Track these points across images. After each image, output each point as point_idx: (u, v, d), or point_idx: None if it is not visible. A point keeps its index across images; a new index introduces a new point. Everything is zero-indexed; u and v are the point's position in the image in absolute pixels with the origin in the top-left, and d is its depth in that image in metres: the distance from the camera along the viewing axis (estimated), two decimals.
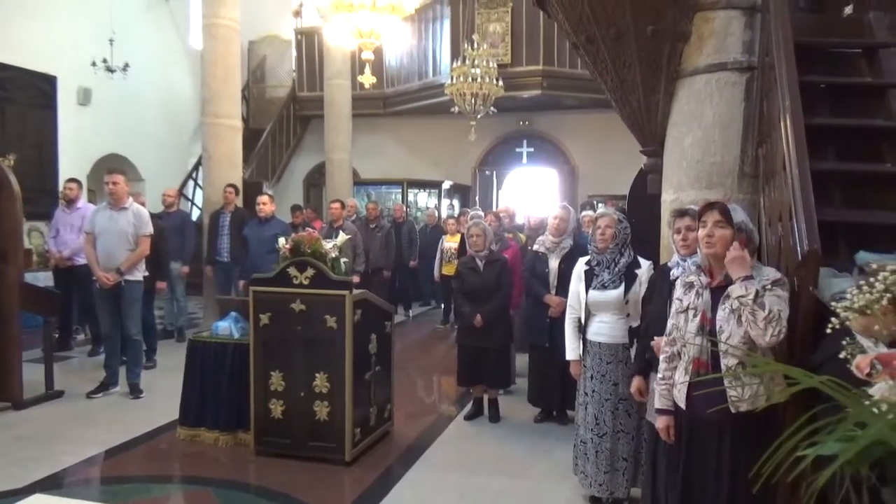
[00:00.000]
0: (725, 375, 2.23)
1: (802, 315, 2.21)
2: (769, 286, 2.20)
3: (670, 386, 2.45)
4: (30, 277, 6.38)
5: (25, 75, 9.59)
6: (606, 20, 3.25)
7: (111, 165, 7.58)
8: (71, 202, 6.89)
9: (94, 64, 10.41)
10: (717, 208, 2.35)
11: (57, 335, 6.64)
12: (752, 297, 2.16)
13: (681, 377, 2.40)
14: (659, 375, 2.53)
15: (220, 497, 3.62)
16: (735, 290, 2.22)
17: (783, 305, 2.18)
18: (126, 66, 10.62)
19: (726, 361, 2.27)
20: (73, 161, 10.15)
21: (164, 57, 12.72)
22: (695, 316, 2.37)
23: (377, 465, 4.08)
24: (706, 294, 2.36)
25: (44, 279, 7.22)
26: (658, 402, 2.52)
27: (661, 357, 2.53)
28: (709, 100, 3.22)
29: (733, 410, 2.23)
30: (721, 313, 2.30)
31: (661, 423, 2.50)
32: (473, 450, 4.42)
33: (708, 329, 2.32)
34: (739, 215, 2.36)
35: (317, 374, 4.01)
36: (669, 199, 3.42)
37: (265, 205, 6.87)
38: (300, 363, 4.05)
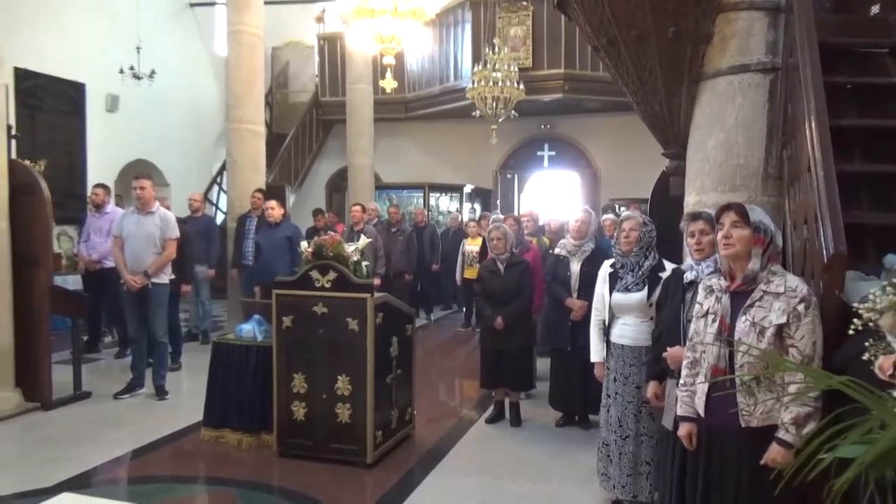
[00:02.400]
0: (739, 389, 2.19)
1: (828, 320, 2.18)
2: (799, 307, 2.14)
3: (692, 393, 2.42)
4: (59, 280, 6.52)
5: (55, 83, 9.80)
6: (627, 22, 3.24)
7: (138, 171, 7.71)
8: (98, 207, 7.02)
9: (121, 71, 10.60)
10: (733, 209, 2.31)
11: (85, 337, 6.77)
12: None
13: (700, 385, 2.37)
14: (681, 381, 2.50)
15: (243, 498, 3.66)
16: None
17: (817, 333, 2.13)
18: (152, 72, 10.80)
19: (741, 377, 2.21)
20: (101, 166, 10.34)
21: (190, 63, 12.91)
22: (713, 321, 2.33)
23: (398, 467, 4.10)
24: (725, 299, 2.32)
25: (73, 282, 7.36)
26: (680, 409, 2.49)
27: (683, 363, 2.50)
28: (731, 101, 3.19)
29: (743, 424, 2.20)
30: (741, 325, 2.25)
31: (683, 430, 2.46)
32: (495, 454, 4.41)
33: (726, 335, 2.27)
34: (757, 215, 2.30)
35: (338, 377, 4.04)
36: (692, 201, 3.40)
37: (273, 209, 6.92)
38: (322, 366, 4.08)
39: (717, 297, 2.36)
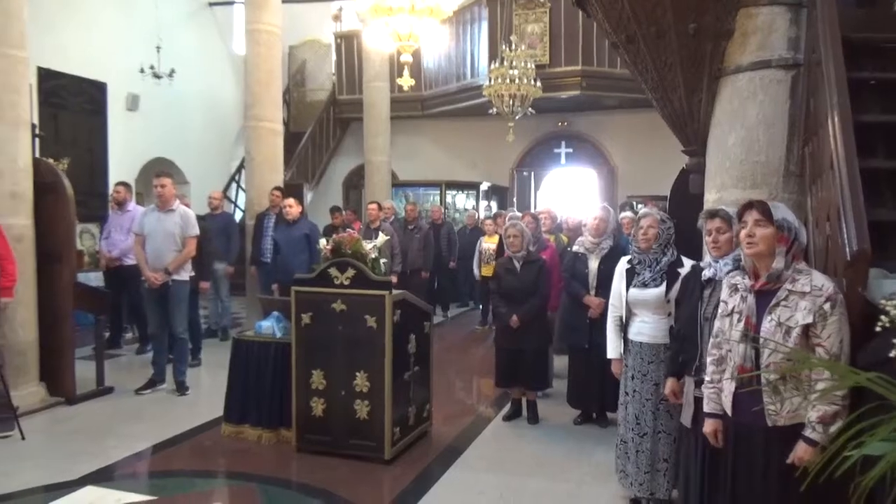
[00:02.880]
0: (764, 389, 2.18)
1: (852, 318, 2.16)
2: (825, 306, 2.12)
3: (719, 390, 2.41)
4: (81, 277, 6.62)
5: (77, 82, 9.93)
6: (647, 19, 3.22)
7: (158, 169, 7.79)
8: (120, 205, 7.11)
9: (141, 70, 10.72)
10: (756, 207, 2.29)
11: (107, 333, 6.86)
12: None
13: (727, 383, 2.36)
14: (707, 378, 2.49)
15: (263, 493, 3.70)
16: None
17: (844, 332, 2.12)
18: (172, 71, 10.90)
19: (767, 376, 2.21)
20: (122, 165, 10.47)
21: (209, 62, 13.03)
22: (739, 321, 2.32)
23: (416, 464, 4.12)
24: (750, 298, 2.31)
25: (95, 279, 7.46)
26: (706, 406, 2.48)
27: (709, 360, 2.50)
28: (752, 98, 3.17)
29: (770, 423, 2.20)
30: (767, 325, 2.23)
31: (709, 426, 2.46)
32: (512, 451, 4.42)
33: (752, 335, 2.26)
34: (780, 212, 2.28)
35: (357, 374, 4.06)
36: (712, 198, 3.38)
37: (291, 207, 6.94)
38: (341, 362, 4.11)
39: (742, 295, 2.34)
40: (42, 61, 8.92)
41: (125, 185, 7.29)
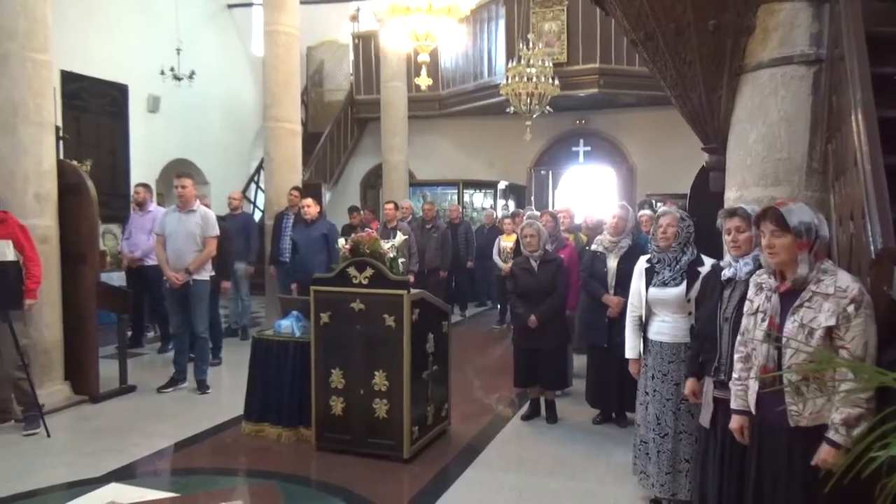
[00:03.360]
0: (787, 390, 2.16)
1: (876, 316, 2.12)
2: (849, 308, 2.09)
3: (746, 387, 2.40)
4: (104, 277, 6.71)
5: (99, 85, 10.10)
6: (666, 16, 3.20)
7: (179, 170, 7.88)
8: (140, 205, 7.20)
9: (162, 73, 10.85)
10: (769, 218, 2.25)
11: (130, 332, 6.95)
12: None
13: (752, 381, 2.36)
14: (735, 375, 2.48)
15: (284, 490, 3.73)
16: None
17: (869, 334, 2.08)
18: (192, 73, 11.02)
19: (789, 376, 2.19)
20: (143, 166, 10.62)
21: (228, 64, 13.16)
22: (763, 320, 2.30)
23: (435, 463, 4.12)
24: (775, 298, 2.29)
25: (117, 279, 7.57)
26: (734, 403, 2.47)
27: (736, 357, 2.49)
28: (774, 95, 3.13)
29: (792, 424, 2.18)
30: (790, 325, 2.21)
31: (735, 422, 2.45)
32: (531, 450, 4.41)
33: (775, 335, 2.23)
34: (795, 216, 2.22)
35: (375, 373, 4.08)
36: (733, 196, 3.34)
37: (309, 207, 6.98)
38: (359, 361, 4.12)
39: (766, 295, 2.33)
40: (65, 64, 9.07)
41: (145, 186, 7.38)
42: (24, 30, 4.86)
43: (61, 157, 5.64)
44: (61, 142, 5.80)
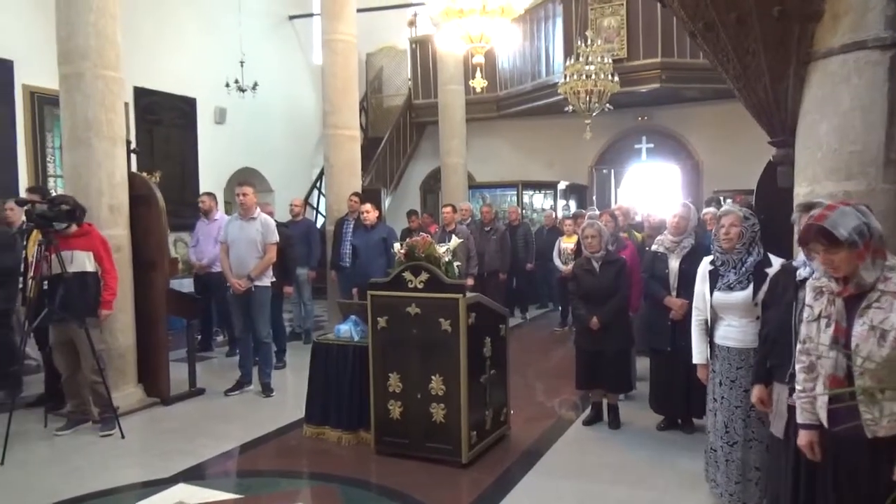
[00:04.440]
0: (860, 398, 2.00)
1: None
2: None
3: (812, 399, 2.24)
4: (175, 284, 6.99)
5: (170, 99, 10.55)
6: (726, 4, 3.05)
7: (243, 178, 8.12)
8: (206, 214, 7.44)
9: (227, 85, 11.21)
10: (816, 236, 2.11)
11: (199, 337, 7.20)
12: None
13: (820, 392, 2.19)
14: (798, 387, 2.32)
15: (345, 494, 3.77)
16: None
17: None
18: (255, 84, 11.35)
19: (861, 382, 2.03)
20: (211, 175, 11.02)
21: (289, 74, 13.48)
22: (828, 326, 2.15)
23: (494, 468, 4.08)
24: (839, 301, 2.14)
25: (188, 285, 7.85)
26: (800, 417, 2.31)
27: (798, 367, 2.33)
28: (846, 82, 2.94)
29: (869, 435, 2.02)
30: (858, 329, 2.07)
31: (803, 438, 2.28)
32: (592, 457, 4.31)
33: (843, 342, 2.09)
34: (842, 228, 2.05)
35: (432, 377, 4.07)
36: (803, 192, 3.15)
37: (369, 212, 7.05)
38: (416, 365, 4.13)
39: (829, 299, 2.18)
40: (138, 80, 9.51)
41: (210, 194, 7.63)
42: (96, 49, 5.11)
43: (133, 169, 5.89)
44: (133, 155, 6.06)
